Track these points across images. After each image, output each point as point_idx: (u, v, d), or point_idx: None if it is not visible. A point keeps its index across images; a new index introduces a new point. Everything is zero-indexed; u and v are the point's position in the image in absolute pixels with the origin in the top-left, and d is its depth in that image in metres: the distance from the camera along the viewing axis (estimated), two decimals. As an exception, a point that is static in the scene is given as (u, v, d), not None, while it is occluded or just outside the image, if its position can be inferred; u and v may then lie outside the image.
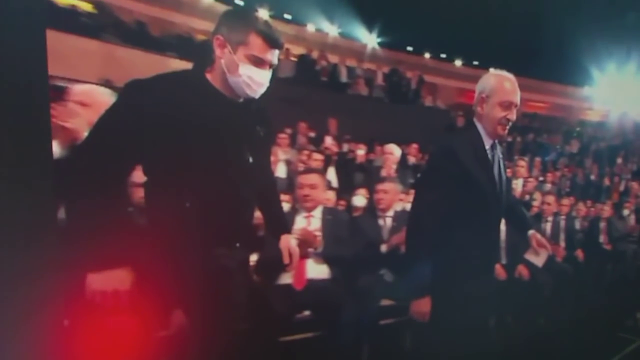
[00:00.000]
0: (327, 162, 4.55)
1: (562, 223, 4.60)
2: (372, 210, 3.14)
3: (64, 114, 1.70)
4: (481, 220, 1.82)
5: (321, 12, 12.04)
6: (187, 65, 1.48)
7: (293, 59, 8.44)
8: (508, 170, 2.19)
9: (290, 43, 9.41)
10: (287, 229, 1.85)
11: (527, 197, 4.90)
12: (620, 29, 11.64)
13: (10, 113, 0.85)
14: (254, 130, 1.52)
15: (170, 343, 1.54)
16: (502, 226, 2.61)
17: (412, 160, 5.84)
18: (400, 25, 11.78)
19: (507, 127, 1.84)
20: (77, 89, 1.89)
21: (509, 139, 8.48)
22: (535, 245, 2.07)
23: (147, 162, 1.37)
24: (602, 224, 5.43)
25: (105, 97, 1.84)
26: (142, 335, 1.41)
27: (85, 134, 1.44)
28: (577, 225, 5.26)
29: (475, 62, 13.47)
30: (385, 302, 2.64)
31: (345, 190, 4.24)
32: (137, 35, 8.19)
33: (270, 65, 1.43)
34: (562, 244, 4.49)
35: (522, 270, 3.49)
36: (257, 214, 1.72)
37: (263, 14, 9.32)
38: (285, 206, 2.51)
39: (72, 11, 7.88)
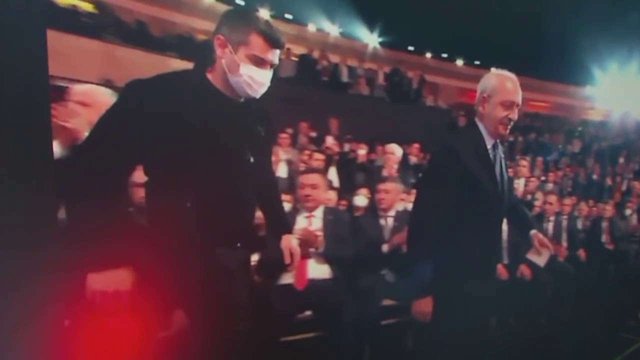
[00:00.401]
0: (328, 162, 4.54)
1: (564, 223, 4.59)
2: (374, 210, 3.13)
3: (65, 114, 1.70)
4: (483, 220, 1.82)
5: (322, 11, 12.02)
6: (188, 65, 1.48)
7: (294, 58, 8.40)
8: (510, 170, 2.19)
9: (291, 43, 9.39)
10: (288, 229, 1.85)
11: (529, 196, 4.89)
12: (622, 28, 11.61)
13: (10, 113, 0.85)
14: (255, 130, 1.51)
15: (171, 343, 1.54)
16: (504, 226, 2.61)
17: (413, 160, 5.83)
18: (401, 24, 11.76)
19: (509, 127, 1.84)
20: (78, 89, 1.89)
21: (511, 139, 8.46)
22: (537, 245, 2.07)
23: (148, 162, 1.37)
24: (604, 224, 5.41)
25: (106, 97, 1.84)
26: (142, 335, 1.41)
27: (86, 134, 1.44)
28: (579, 225, 5.24)
29: (477, 62, 13.44)
30: (387, 302, 2.64)
31: (346, 190, 4.23)
32: (137, 35, 8.18)
33: (271, 65, 1.43)
34: (564, 243, 4.47)
35: (524, 270, 3.49)
36: (258, 213, 1.72)
37: (264, 13, 9.31)
38: (287, 206, 2.51)
39: (73, 11, 7.87)
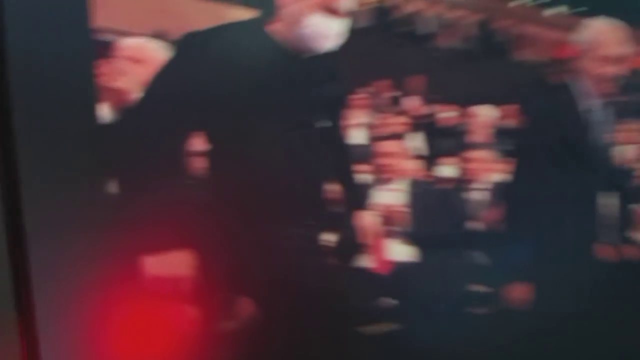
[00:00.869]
0: (411, 127, 4.31)
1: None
2: (464, 181, 3.04)
3: (112, 73, 1.69)
4: (583, 192, 1.80)
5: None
6: (248, 15, 1.47)
7: (370, 5, 8.22)
8: (615, 134, 2.12)
9: (368, -13, 9.20)
10: (366, 205, 1.86)
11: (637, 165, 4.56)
12: None
13: (49, 73, 0.82)
14: (326, 90, 1.48)
15: (236, 335, 1.51)
16: (606, 199, 2.54)
17: (508, 123, 5.55)
18: (492, -35, 11.22)
19: (613, 86, 1.79)
20: (127, 43, 1.85)
21: (616, 99, 8.00)
22: None
23: (209, 127, 1.36)
24: None
25: (160, 52, 1.80)
26: (205, 326, 1.41)
27: (137, 95, 1.44)
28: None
29: (578, 9, 12.62)
30: (478, 288, 2.48)
31: (432, 159, 4.12)
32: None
33: (344, 14, 1.39)
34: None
35: (627, 251, 3.29)
36: (332, 187, 1.67)
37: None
38: (364, 178, 2.47)
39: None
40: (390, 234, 2.40)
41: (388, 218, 2.35)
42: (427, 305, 2.24)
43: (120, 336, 1.02)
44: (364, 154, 3.52)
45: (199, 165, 1.50)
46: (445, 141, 4.66)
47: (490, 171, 3.00)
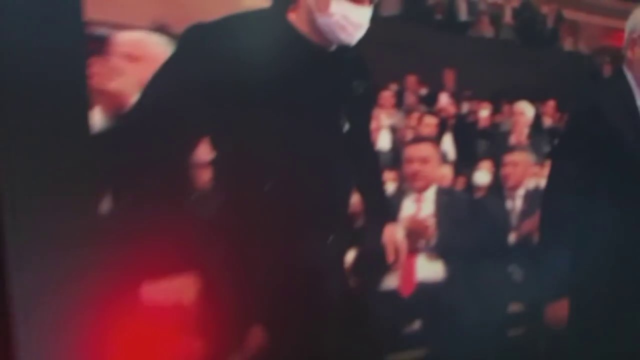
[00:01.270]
0: (442, 128, 4.31)
1: None
2: (499, 188, 3.10)
3: (107, 72, 1.68)
4: (633, 198, 1.73)
5: None
6: (264, 3, 1.42)
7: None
8: None
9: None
10: (392, 217, 1.81)
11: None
12: None
13: (32, 73, 0.78)
14: (350, 87, 1.46)
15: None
16: None
17: (548, 121, 5.60)
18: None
19: None
20: (123, 38, 1.85)
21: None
22: None
23: (216, 132, 1.35)
24: None
25: (160, 48, 1.79)
26: (212, 359, 1.39)
27: (135, 97, 1.42)
28: None
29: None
30: (515, 307, 2.59)
31: (465, 163, 4.12)
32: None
33: (371, 1, 1.36)
34: None
35: None
36: (355, 198, 1.69)
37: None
38: (390, 187, 2.45)
39: None
40: (418, 249, 2.38)
41: (416, 232, 2.32)
42: (460, 328, 2.21)
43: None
44: (391, 160, 3.52)
45: (205, 177, 1.48)
46: (479, 143, 4.66)
47: (528, 176, 2.99)
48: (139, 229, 1.19)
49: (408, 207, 2.48)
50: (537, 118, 4.93)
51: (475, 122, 5.00)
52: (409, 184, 2.54)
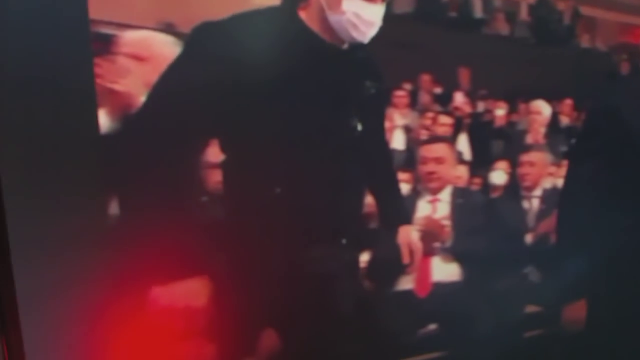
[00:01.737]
0: (457, 128, 4.26)
1: None
2: (515, 188, 2.94)
3: (112, 73, 1.65)
4: None
5: None
6: (273, 1, 1.40)
7: (413, -11, 8.26)
8: None
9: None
10: (407, 219, 1.86)
11: None
12: None
13: (38, 73, 0.78)
14: (362, 87, 1.48)
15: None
16: None
17: (565, 121, 5.48)
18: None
19: None
20: (130, 38, 1.83)
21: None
22: None
23: (225, 134, 1.33)
24: None
25: (167, 48, 1.77)
26: None
27: (142, 98, 1.40)
28: None
29: (649, -13, 12.49)
30: (531, 309, 2.47)
31: (481, 163, 4.09)
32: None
33: None
34: None
35: None
36: (368, 199, 1.67)
37: None
38: (405, 188, 2.44)
39: None
40: (434, 252, 2.33)
41: (431, 233, 2.28)
42: (476, 330, 2.23)
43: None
44: (405, 160, 3.49)
45: (215, 179, 1.48)
46: (495, 143, 4.62)
47: (544, 176, 2.96)
48: (148, 231, 1.18)
49: (423, 208, 2.40)
50: (554, 117, 4.89)
51: (490, 122, 4.98)
52: (423, 185, 2.46)
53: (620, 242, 1.74)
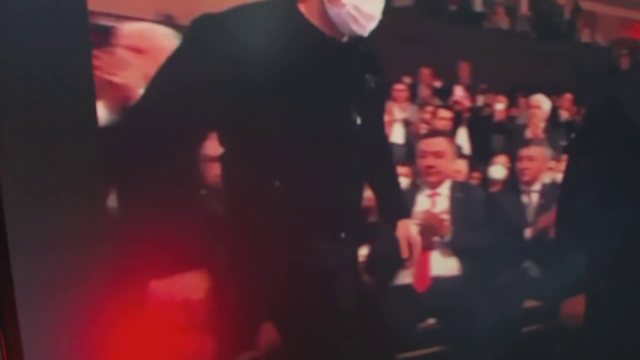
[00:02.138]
0: (457, 121, 4.25)
1: None
2: (514, 183, 2.94)
3: (111, 65, 1.64)
4: None
5: None
6: None
7: (413, -19, 8.22)
8: None
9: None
10: (406, 212, 1.86)
11: None
12: None
13: (36, 65, 0.78)
14: (362, 80, 1.48)
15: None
16: None
17: (565, 115, 5.46)
18: None
19: None
20: (128, 30, 1.82)
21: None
22: None
23: (224, 127, 1.33)
24: None
25: (166, 40, 1.76)
26: (221, 357, 1.36)
27: (141, 90, 1.39)
28: None
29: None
30: (530, 304, 2.47)
31: (480, 158, 4.08)
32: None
33: None
34: None
35: None
36: (367, 193, 1.67)
37: None
38: (404, 182, 2.44)
39: None
40: (433, 246, 2.34)
41: (431, 227, 2.29)
42: (475, 325, 2.24)
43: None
44: (405, 154, 3.49)
45: (214, 172, 1.47)
46: (494, 138, 4.61)
47: (544, 171, 2.95)
48: (146, 225, 1.18)
49: (422, 202, 2.39)
50: (554, 111, 4.88)
51: (490, 116, 4.97)
52: (422, 179, 2.46)
53: (620, 236, 1.74)
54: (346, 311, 1.52)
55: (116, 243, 0.96)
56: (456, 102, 4.89)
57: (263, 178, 1.32)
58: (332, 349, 1.46)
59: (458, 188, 2.51)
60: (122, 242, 1.02)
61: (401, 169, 2.61)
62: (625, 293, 1.74)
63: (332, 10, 1.32)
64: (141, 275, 1.19)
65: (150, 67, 1.39)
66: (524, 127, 4.59)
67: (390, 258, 1.81)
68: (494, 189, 3.47)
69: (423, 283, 2.27)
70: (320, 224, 1.41)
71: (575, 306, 1.83)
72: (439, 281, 2.29)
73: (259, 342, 1.51)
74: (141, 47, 1.67)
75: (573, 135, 4.21)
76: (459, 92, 5.12)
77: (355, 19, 1.32)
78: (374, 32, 1.39)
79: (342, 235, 1.48)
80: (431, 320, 2.27)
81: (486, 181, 3.81)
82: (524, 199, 2.81)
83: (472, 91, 5.32)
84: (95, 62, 1.06)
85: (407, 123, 4.22)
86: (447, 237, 2.33)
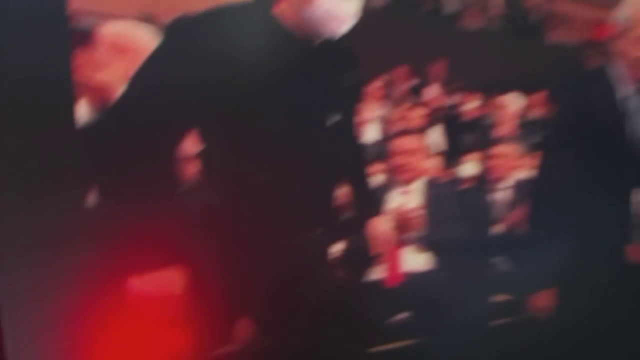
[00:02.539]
0: (430, 120, 4.28)
1: None
2: (485, 180, 3.08)
3: (91, 64, 1.66)
4: (618, 190, 1.78)
5: None
6: None
7: (388, -18, 8.15)
8: None
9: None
10: (379, 209, 1.84)
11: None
12: None
13: (15, 65, 0.78)
14: (337, 80, 1.45)
15: (236, 360, 1.54)
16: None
17: (537, 113, 5.51)
18: None
19: None
20: (109, 29, 1.80)
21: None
22: None
23: (203, 125, 1.33)
24: None
25: (147, 39, 1.75)
26: (200, 353, 1.37)
27: (121, 90, 1.40)
28: None
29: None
30: (499, 298, 2.55)
31: (452, 155, 4.11)
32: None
33: None
34: None
35: None
36: (342, 190, 1.67)
37: None
38: (379, 179, 2.48)
39: None
40: (405, 242, 2.38)
41: (403, 224, 2.32)
42: (447, 319, 2.26)
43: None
44: (378, 152, 3.50)
45: (193, 169, 1.47)
46: (467, 135, 4.64)
47: (515, 168, 2.98)
48: (126, 222, 1.19)
49: (395, 199, 2.46)
50: (524, 110, 4.93)
51: (462, 114, 4.99)
52: (396, 176, 2.53)
53: (590, 231, 1.72)
54: (321, 306, 1.50)
55: (97, 241, 0.96)
56: (431, 101, 4.90)
57: (240, 175, 1.32)
58: (307, 342, 1.45)
59: (431, 185, 2.55)
60: (103, 240, 1.02)
61: (376, 167, 2.63)
62: (595, 287, 1.73)
63: (307, 12, 1.31)
64: (123, 273, 1.20)
65: (131, 66, 1.38)
66: (494, 125, 4.66)
67: (363, 254, 1.80)
68: (465, 186, 3.53)
69: (395, 278, 2.31)
70: (296, 220, 1.40)
71: (543, 299, 1.83)
72: (411, 276, 2.33)
73: (236, 336, 1.52)
74: (122, 46, 1.67)
75: (543, 132, 4.27)
76: (434, 90, 5.12)
77: (331, 20, 1.32)
78: (349, 32, 1.38)
79: (319, 230, 1.47)
80: (404, 315, 2.31)
81: (458, 178, 3.87)
82: (495, 195, 2.85)
83: (446, 90, 5.33)
84: (75, 61, 1.05)
85: (382, 121, 4.23)
86: (420, 233, 2.36)
